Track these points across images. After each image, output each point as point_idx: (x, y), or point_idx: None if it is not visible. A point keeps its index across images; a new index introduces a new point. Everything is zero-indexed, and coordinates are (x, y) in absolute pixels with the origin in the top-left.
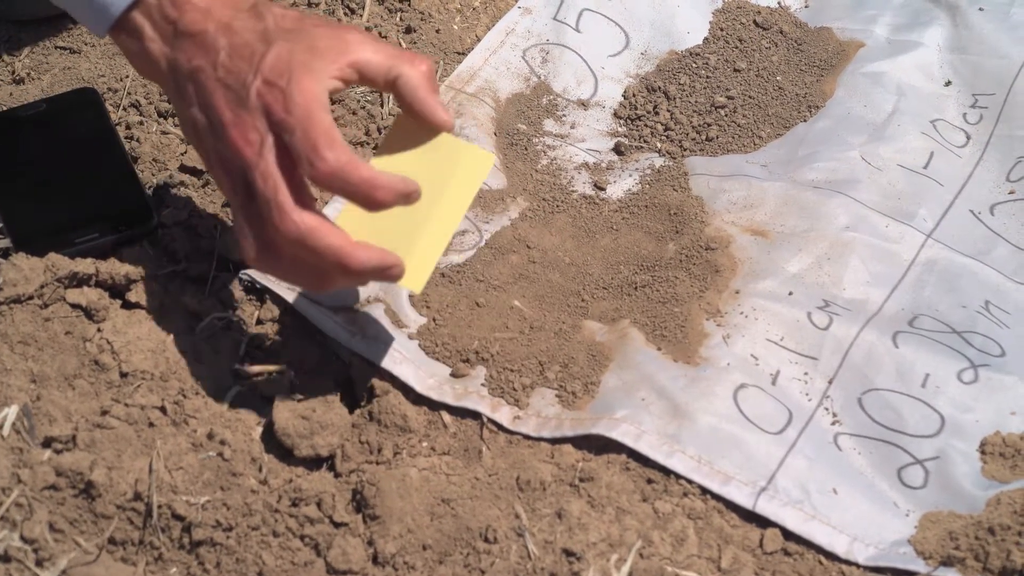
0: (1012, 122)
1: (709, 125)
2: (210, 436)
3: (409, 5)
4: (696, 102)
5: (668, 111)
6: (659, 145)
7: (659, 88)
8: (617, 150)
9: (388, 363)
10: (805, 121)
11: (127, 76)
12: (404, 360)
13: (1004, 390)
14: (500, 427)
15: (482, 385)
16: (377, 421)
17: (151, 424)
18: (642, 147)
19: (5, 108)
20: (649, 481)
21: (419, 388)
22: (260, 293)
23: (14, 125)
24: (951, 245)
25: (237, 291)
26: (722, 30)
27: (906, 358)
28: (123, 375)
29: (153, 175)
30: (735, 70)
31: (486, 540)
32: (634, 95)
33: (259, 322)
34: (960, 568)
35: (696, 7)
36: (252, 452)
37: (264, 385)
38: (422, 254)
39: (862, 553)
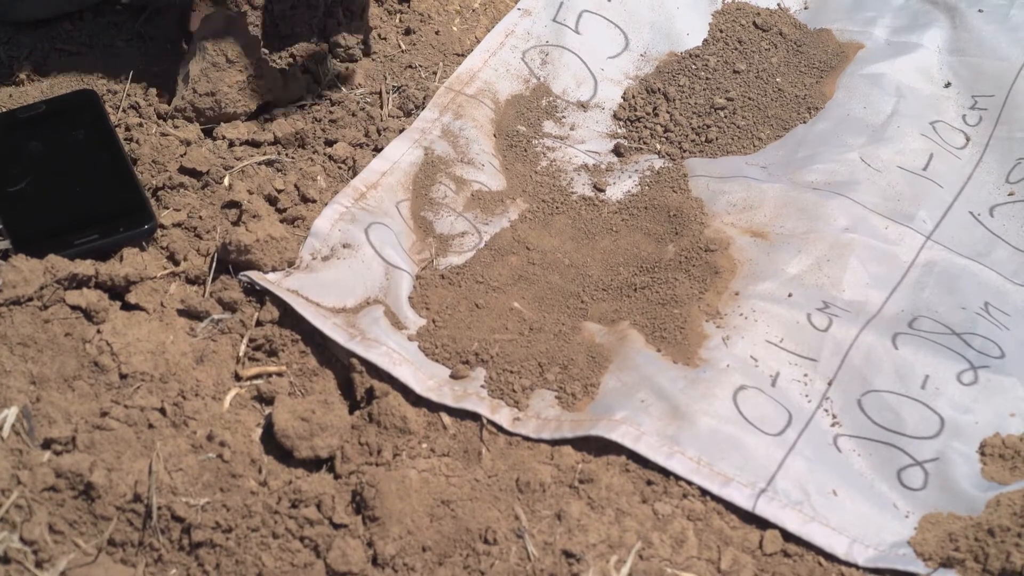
0: (1011, 124)
1: (708, 127)
2: (210, 438)
3: (408, 7)
4: (695, 104)
5: (667, 113)
6: (658, 147)
7: (658, 90)
8: (616, 152)
9: (387, 365)
10: (804, 123)
11: (126, 78)
12: (404, 361)
13: (1004, 392)
14: (500, 428)
15: (482, 387)
16: (377, 423)
17: (151, 425)
18: (641, 149)
19: (5, 110)
20: (649, 483)
21: (419, 390)
22: (259, 295)
23: (14, 127)
24: (951, 247)
25: (236, 293)
26: (721, 32)
27: (906, 360)
28: (123, 376)
29: (152, 176)
30: (734, 72)
31: (486, 542)
32: (633, 97)
33: (258, 324)
34: (960, 570)
35: (695, 9)
36: (252, 454)
37: (263, 386)
38: None
39: (861, 554)
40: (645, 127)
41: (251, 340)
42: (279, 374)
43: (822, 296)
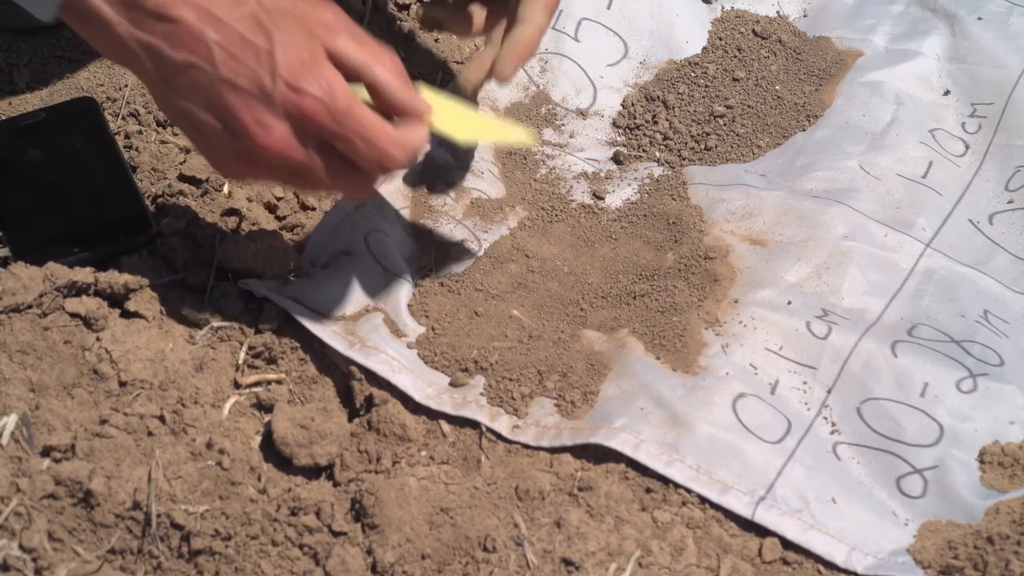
0: (1011, 131)
1: (708, 134)
2: (209, 445)
3: (408, 14)
4: (695, 111)
5: (667, 120)
6: (658, 154)
7: (658, 97)
8: (616, 159)
9: (387, 372)
10: (804, 130)
11: (126, 86)
12: (403, 369)
13: (1003, 399)
14: (499, 436)
15: (481, 394)
16: (376, 430)
17: (150, 433)
18: (641, 156)
19: (4, 117)
20: (648, 490)
21: (418, 397)
22: (259, 302)
23: (13, 134)
24: (950, 254)
25: (236, 300)
26: (721, 39)
27: (905, 367)
28: (122, 384)
29: (152, 184)
30: (734, 79)
31: (485, 549)
32: (633, 104)
33: (258, 331)
34: None
35: (695, 16)
36: (251, 461)
37: (263, 394)
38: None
39: (861, 562)
40: (644, 135)
41: (250, 348)
42: (278, 382)
43: (821, 304)
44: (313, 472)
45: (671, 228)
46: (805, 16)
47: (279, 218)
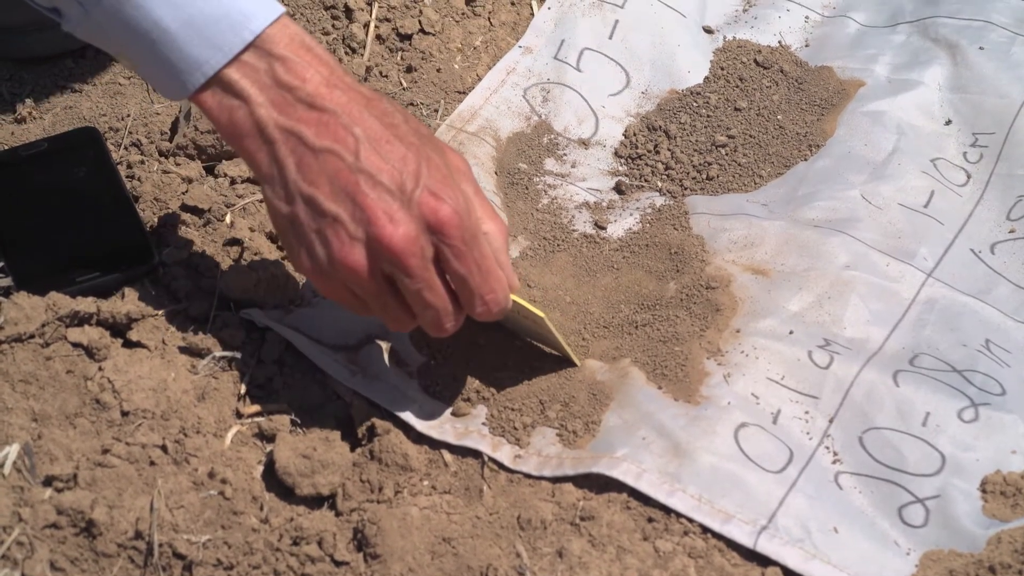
0: (1012, 161)
1: (710, 164)
2: (211, 475)
3: (410, 44)
4: (697, 141)
5: (669, 150)
6: (660, 184)
7: (660, 127)
8: (618, 189)
9: (389, 402)
10: (806, 160)
11: (128, 115)
12: (405, 399)
13: (1005, 429)
14: (501, 466)
15: (483, 424)
16: (378, 460)
17: (152, 463)
18: (643, 186)
19: (6, 147)
20: (650, 520)
21: (420, 427)
22: (261, 332)
23: (15, 164)
24: (952, 284)
25: (238, 330)
26: (723, 69)
27: (907, 397)
28: (124, 414)
29: (154, 214)
30: (736, 109)
31: None
32: (635, 134)
33: (260, 361)
34: None
35: (697, 46)
36: (253, 491)
37: (265, 424)
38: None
39: None
40: (646, 164)
41: (252, 377)
42: (280, 411)
43: (823, 333)
44: (315, 502)
45: (673, 258)
46: (807, 46)
47: (281, 248)
